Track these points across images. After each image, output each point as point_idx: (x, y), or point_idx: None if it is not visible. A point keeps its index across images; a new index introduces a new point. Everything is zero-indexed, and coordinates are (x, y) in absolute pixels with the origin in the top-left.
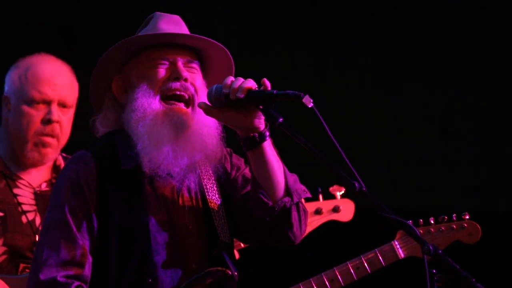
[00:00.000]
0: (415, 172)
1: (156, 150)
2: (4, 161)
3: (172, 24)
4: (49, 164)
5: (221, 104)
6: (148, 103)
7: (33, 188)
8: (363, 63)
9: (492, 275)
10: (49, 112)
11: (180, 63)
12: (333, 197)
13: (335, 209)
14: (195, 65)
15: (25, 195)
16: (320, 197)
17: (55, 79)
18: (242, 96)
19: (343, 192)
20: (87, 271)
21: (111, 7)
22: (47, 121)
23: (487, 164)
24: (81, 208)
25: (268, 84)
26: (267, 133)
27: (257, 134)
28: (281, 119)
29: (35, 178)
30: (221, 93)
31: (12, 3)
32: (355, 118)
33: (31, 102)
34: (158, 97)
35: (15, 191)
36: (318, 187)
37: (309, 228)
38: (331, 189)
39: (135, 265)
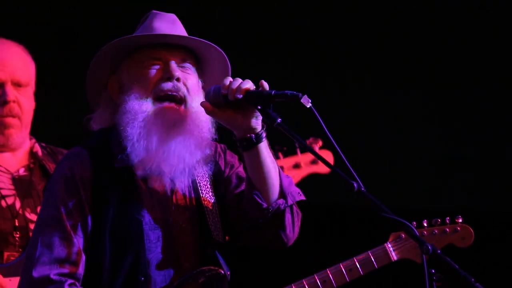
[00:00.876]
0: (414, 172)
1: (146, 151)
2: None
3: (167, 23)
4: (24, 149)
5: (219, 104)
6: (140, 105)
7: (11, 174)
8: (362, 63)
9: (491, 275)
10: (3, 94)
11: (172, 63)
12: (294, 153)
13: (314, 162)
14: (189, 65)
15: (3, 181)
16: (298, 151)
17: (4, 61)
18: (240, 96)
19: (320, 144)
20: (81, 269)
21: (111, 7)
22: (3, 102)
23: (487, 164)
24: (76, 206)
25: (266, 86)
26: (264, 134)
27: (253, 135)
28: (279, 120)
29: (12, 164)
30: (219, 93)
31: (12, 3)
32: (353, 118)
33: None
34: (150, 99)
35: None
36: (295, 142)
37: None
38: (307, 142)
39: (128, 264)
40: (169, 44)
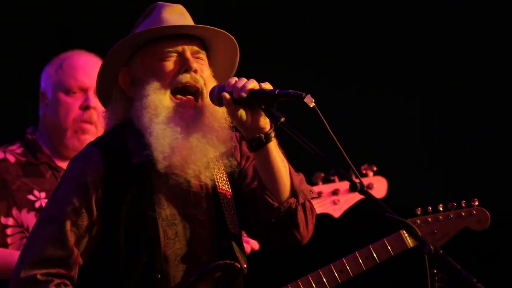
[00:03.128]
0: (416, 172)
1: (171, 149)
2: (49, 155)
3: (176, 15)
4: None
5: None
6: (159, 100)
7: None
8: (364, 63)
9: (493, 275)
10: (87, 99)
11: (188, 54)
12: (332, 181)
13: (335, 193)
14: (202, 56)
15: None
16: (336, 178)
17: (90, 68)
18: (245, 95)
19: (375, 169)
20: (73, 272)
21: (111, 7)
22: (85, 107)
23: (489, 165)
24: (83, 207)
25: (268, 86)
26: (273, 134)
27: (263, 135)
28: (283, 119)
29: None
30: (224, 92)
31: (12, 3)
32: (356, 118)
33: (68, 91)
34: (168, 92)
35: None
36: (320, 173)
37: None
38: (362, 168)
39: (144, 262)
40: (183, 35)
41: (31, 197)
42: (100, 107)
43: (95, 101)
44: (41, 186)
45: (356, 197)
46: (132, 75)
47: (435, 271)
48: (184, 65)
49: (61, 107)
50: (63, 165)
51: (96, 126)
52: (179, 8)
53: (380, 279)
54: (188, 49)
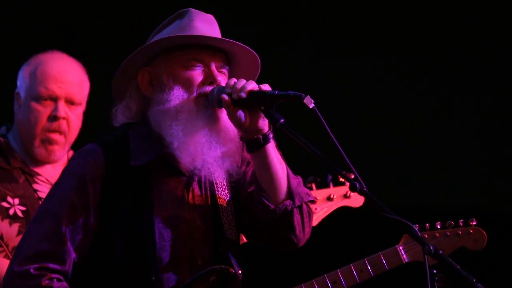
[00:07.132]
0: (417, 172)
1: (193, 144)
2: (21, 158)
3: (207, 24)
4: (63, 161)
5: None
6: (182, 105)
7: (51, 184)
8: (364, 63)
9: (492, 275)
10: (55, 109)
11: (214, 68)
12: (343, 184)
13: (346, 195)
14: (225, 70)
15: (44, 191)
16: (331, 184)
17: (63, 77)
18: (244, 96)
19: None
20: (67, 267)
21: (111, 5)
22: (53, 117)
23: (493, 163)
24: (80, 203)
25: (267, 88)
26: (271, 135)
27: (261, 136)
28: (282, 120)
29: (52, 175)
30: (223, 93)
31: (14, 2)
32: (356, 119)
33: (39, 98)
34: (192, 98)
35: (34, 186)
36: (329, 175)
37: (322, 215)
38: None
39: (139, 263)
40: (210, 46)
41: (4, 204)
42: (72, 117)
43: (65, 111)
44: (14, 192)
45: (350, 202)
46: (152, 75)
47: (435, 271)
48: (209, 78)
49: (31, 114)
50: (37, 169)
51: (65, 136)
52: (210, 18)
53: (379, 279)
54: (214, 62)
